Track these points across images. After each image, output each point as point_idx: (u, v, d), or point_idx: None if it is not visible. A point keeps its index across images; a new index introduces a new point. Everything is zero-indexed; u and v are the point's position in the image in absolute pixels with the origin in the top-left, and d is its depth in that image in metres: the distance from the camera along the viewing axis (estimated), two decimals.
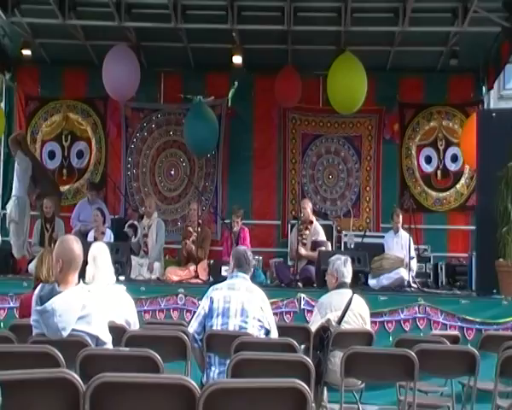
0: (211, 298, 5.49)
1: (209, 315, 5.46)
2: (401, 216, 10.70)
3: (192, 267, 10.31)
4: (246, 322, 5.38)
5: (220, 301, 5.45)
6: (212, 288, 5.61)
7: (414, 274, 10.12)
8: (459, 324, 8.58)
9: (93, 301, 4.40)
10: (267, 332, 5.48)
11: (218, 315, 5.42)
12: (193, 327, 5.50)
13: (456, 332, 7.73)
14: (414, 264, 10.30)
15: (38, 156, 12.90)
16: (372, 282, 9.93)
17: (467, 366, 5.13)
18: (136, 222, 10.92)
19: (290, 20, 10.46)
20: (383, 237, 11.12)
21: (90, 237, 10.75)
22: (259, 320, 5.43)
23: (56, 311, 4.19)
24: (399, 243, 10.52)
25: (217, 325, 5.42)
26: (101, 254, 5.65)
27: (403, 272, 9.89)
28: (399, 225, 10.65)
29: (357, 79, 10.73)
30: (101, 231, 10.73)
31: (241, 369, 4.13)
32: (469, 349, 5.33)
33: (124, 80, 10.86)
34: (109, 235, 10.64)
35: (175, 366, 5.36)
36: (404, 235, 10.52)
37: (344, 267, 6.39)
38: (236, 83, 12.40)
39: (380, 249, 10.66)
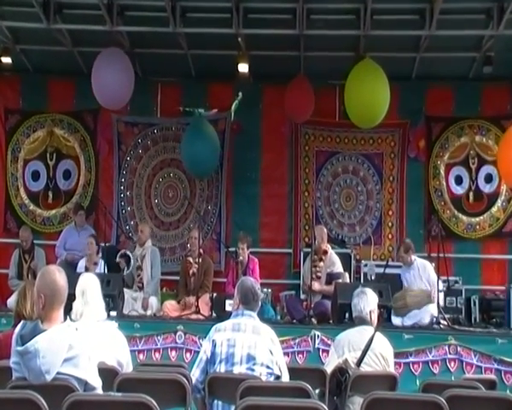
0: (213, 341, 5.46)
1: (211, 361, 5.44)
2: (411, 250, 10.55)
3: (192, 301, 10.30)
4: (253, 369, 5.35)
5: (224, 345, 5.42)
6: (214, 328, 5.59)
7: (442, 309, 10.07)
8: (496, 366, 8.56)
9: (81, 341, 4.40)
10: (277, 378, 5.46)
11: (222, 361, 5.39)
12: (195, 376, 5.46)
13: (492, 376, 7.71)
14: (440, 298, 10.25)
15: (21, 177, 13.00)
16: (396, 320, 9.91)
17: None
18: (128, 252, 10.94)
19: (303, 24, 10.50)
20: None
21: (81, 267, 10.80)
22: (268, 367, 5.40)
23: (39, 352, 4.20)
24: (417, 275, 10.40)
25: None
26: (90, 287, 5.66)
27: (433, 310, 9.84)
28: (409, 259, 10.54)
29: (379, 90, 10.76)
30: (93, 262, 10.76)
31: None
32: (508, 396, 5.30)
33: (117, 86, 10.86)
34: (102, 266, 10.66)
35: None
36: (420, 264, 10.42)
37: (358, 300, 6.38)
38: (241, 94, 12.45)
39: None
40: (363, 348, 6.05)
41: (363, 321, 6.32)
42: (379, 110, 10.89)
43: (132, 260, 10.80)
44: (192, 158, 11.98)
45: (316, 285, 10.18)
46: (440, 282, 10.21)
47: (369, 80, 10.74)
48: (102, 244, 11.09)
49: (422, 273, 10.30)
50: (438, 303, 9.82)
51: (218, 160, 12.48)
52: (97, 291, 5.71)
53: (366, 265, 11.75)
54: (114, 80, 10.79)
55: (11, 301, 9.77)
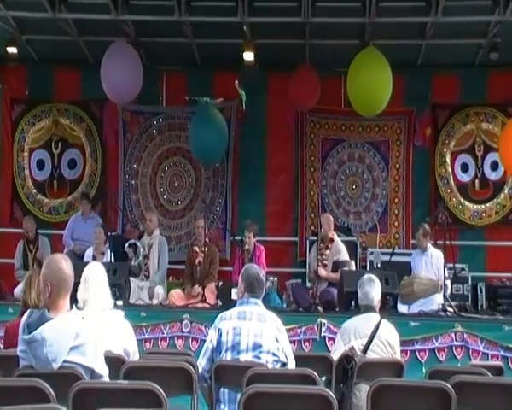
0: (219, 330, 5.46)
1: (217, 349, 5.43)
2: (428, 236, 10.60)
3: (198, 290, 10.31)
4: (259, 357, 5.35)
5: (229, 334, 5.41)
6: (220, 317, 5.58)
7: (449, 296, 10.08)
8: (502, 353, 8.56)
9: (87, 329, 4.41)
10: (283, 366, 5.46)
11: (228, 350, 5.39)
12: (201, 365, 5.46)
13: (498, 363, 7.69)
14: (447, 285, 10.26)
15: (26, 166, 13.01)
16: (402, 308, 9.91)
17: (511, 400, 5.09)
18: (137, 242, 10.93)
19: (308, 12, 10.46)
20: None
21: (88, 255, 10.80)
22: (274, 354, 5.40)
23: (46, 340, 4.21)
24: (428, 263, 10.46)
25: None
26: (97, 275, 5.66)
27: (439, 300, 9.85)
28: (425, 244, 10.57)
29: (381, 78, 10.75)
30: (101, 251, 10.75)
31: (254, 404, 4.13)
32: None
33: (126, 81, 10.89)
34: (109, 256, 10.64)
35: (180, 401, 5.37)
36: (434, 253, 10.46)
37: (369, 288, 6.38)
38: (237, 82, 12.33)
39: (410, 269, 10.66)
40: (370, 335, 6.06)
41: (369, 308, 6.33)
42: (381, 98, 10.88)
43: (140, 250, 10.80)
44: (201, 145, 11.93)
45: (322, 271, 10.18)
46: (447, 269, 10.21)
47: (370, 68, 10.72)
48: (109, 233, 11.08)
49: (435, 262, 10.32)
50: (444, 292, 9.82)
51: (226, 147, 12.46)
52: (104, 280, 5.72)
53: (372, 252, 11.74)
54: (125, 76, 10.83)
55: (18, 290, 9.80)
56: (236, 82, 12.01)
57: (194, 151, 12.29)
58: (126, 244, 10.91)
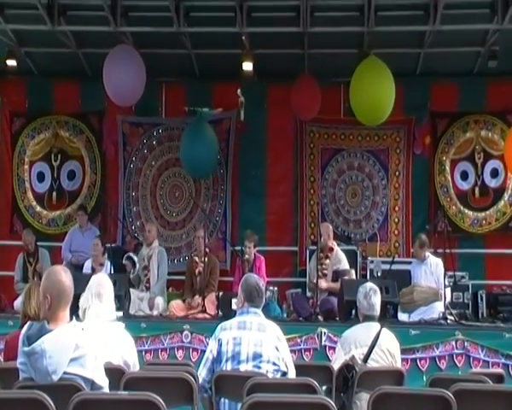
0: (219, 340, 5.46)
1: (218, 359, 5.43)
2: (425, 246, 10.58)
3: (199, 301, 10.31)
4: (259, 367, 5.34)
5: (229, 344, 5.40)
6: (220, 327, 5.58)
7: (449, 304, 10.07)
8: (503, 361, 8.55)
9: (87, 341, 4.41)
10: (283, 375, 5.45)
11: (228, 360, 5.38)
12: (201, 375, 5.45)
13: (499, 370, 7.68)
14: (447, 294, 10.25)
15: (27, 179, 13.03)
16: (403, 317, 9.91)
17: None
18: (133, 255, 10.91)
19: (306, 21, 10.49)
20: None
21: (87, 268, 10.79)
22: (274, 364, 5.39)
23: (46, 352, 4.20)
24: (428, 271, 10.45)
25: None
26: (102, 287, 5.66)
27: (440, 308, 9.85)
28: (423, 254, 10.57)
29: (385, 88, 10.76)
30: (99, 263, 10.74)
31: None
32: None
33: (129, 82, 10.86)
34: (109, 267, 10.63)
35: None
36: (433, 261, 10.45)
37: (375, 299, 6.37)
38: (239, 90, 12.34)
39: (410, 277, 10.65)
40: (370, 344, 6.05)
41: (370, 318, 6.32)
42: (384, 108, 10.89)
43: (137, 263, 10.78)
44: (190, 159, 11.99)
45: (322, 283, 10.18)
46: (447, 277, 10.21)
47: (374, 78, 10.74)
48: (108, 245, 11.08)
49: (434, 270, 10.31)
50: (444, 300, 9.82)
51: (217, 160, 12.47)
52: (109, 292, 5.70)
53: (372, 261, 11.73)
54: (128, 77, 10.81)
55: (18, 303, 9.78)
56: (239, 91, 12.07)
57: (184, 165, 12.36)
58: (124, 257, 10.91)
